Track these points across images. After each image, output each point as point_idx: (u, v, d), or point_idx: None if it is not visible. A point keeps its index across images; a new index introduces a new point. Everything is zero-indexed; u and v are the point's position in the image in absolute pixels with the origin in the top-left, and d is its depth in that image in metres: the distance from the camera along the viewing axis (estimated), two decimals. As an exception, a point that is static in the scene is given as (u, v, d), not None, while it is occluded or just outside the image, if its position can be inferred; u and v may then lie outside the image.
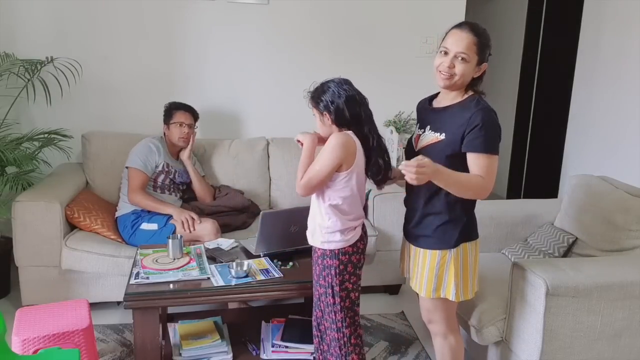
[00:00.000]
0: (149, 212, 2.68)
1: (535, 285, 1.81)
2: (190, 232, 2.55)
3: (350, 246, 1.77)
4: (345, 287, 1.79)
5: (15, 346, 1.85)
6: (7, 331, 1.75)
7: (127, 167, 2.75)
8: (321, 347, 1.92)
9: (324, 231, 1.78)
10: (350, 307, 1.82)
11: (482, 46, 1.64)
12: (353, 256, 1.78)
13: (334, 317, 1.82)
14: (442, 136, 1.70)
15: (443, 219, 1.73)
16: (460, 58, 1.63)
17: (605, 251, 2.26)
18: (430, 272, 1.76)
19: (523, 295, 1.88)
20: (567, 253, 2.39)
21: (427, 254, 1.76)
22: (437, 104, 1.80)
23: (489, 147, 1.63)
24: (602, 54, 3.60)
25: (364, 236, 1.84)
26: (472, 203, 1.77)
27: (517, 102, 4.87)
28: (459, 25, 1.67)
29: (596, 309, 1.82)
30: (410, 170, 1.50)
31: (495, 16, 5.21)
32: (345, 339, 1.82)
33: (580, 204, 2.44)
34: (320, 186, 1.73)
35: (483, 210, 2.67)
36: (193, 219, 2.59)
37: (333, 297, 1.80)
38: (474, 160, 1.64)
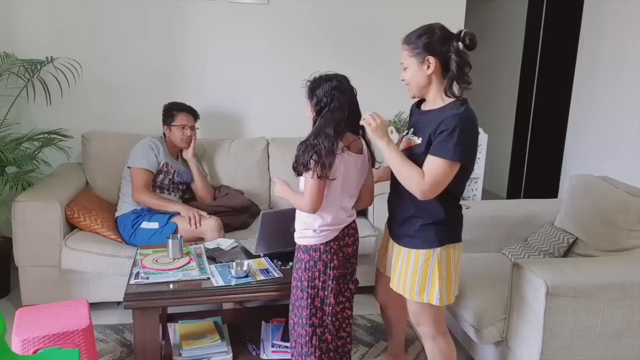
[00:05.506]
0: (149, 211, 2.68)
1: (535, 285, 1.81)
2: (196, 227, 2.57)
3: (322, 244, 1.77)
4: (315, 284, 1.79)
5: (15, 346, 1.84)
6: (7, 331, 1.75)
7: (128, 167, 2.75)
8: (291, 343, 1.91)
9: (302, 227, 1.81)
10: (319, 307, 1.81)
11: (413, 48, 1.72)
12: (324, 255, 1.78)
13: (300, 312, 1.83)
14: (419, 140, 1.71)
15: (425, 220, 1.73)
16: (403, 69, 1.78)
17: (605, 251, 2.26)
18: (414, 274, 1.76)
19: (523, 296, 1.87)
20: (567, 253, 2.39)
21: (411, 253, 1.77)
22: (423, 107, 1.82)
23: (446, 152, 1.61)
24: (602, 54, 3.60)
25: (342, 239, 1.81)
26: (454, 205, 1.77)
27: (517, 102, 4.88)
28: None
29: (596, 309, 1.83)
30: (370, 116, 1.72)
31: (495, 16, 5.21)
32: (308, 337, 1.82)
33: (581, 204, 2.44)
34: (321, 198, 1.71)
35: (483, 210, 2.71)
36: (200, 215, 2.61)
37: (301, 291, 1.82)
38: (429, 159, 1.64)
